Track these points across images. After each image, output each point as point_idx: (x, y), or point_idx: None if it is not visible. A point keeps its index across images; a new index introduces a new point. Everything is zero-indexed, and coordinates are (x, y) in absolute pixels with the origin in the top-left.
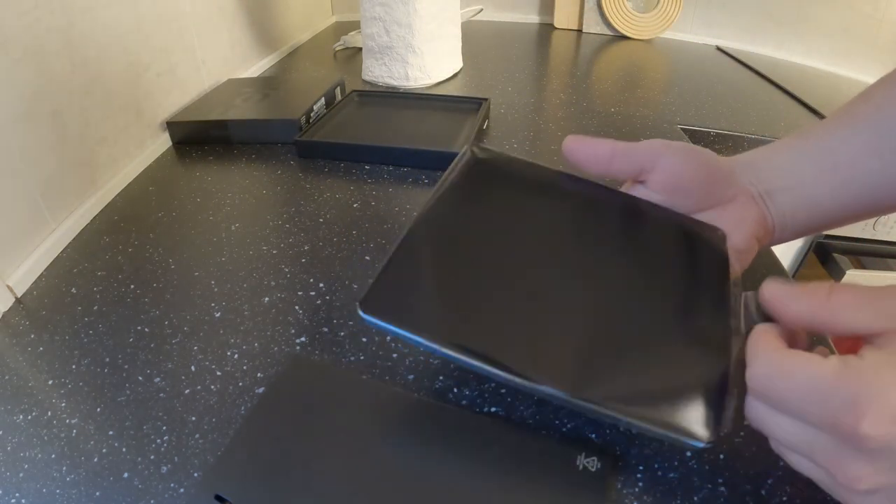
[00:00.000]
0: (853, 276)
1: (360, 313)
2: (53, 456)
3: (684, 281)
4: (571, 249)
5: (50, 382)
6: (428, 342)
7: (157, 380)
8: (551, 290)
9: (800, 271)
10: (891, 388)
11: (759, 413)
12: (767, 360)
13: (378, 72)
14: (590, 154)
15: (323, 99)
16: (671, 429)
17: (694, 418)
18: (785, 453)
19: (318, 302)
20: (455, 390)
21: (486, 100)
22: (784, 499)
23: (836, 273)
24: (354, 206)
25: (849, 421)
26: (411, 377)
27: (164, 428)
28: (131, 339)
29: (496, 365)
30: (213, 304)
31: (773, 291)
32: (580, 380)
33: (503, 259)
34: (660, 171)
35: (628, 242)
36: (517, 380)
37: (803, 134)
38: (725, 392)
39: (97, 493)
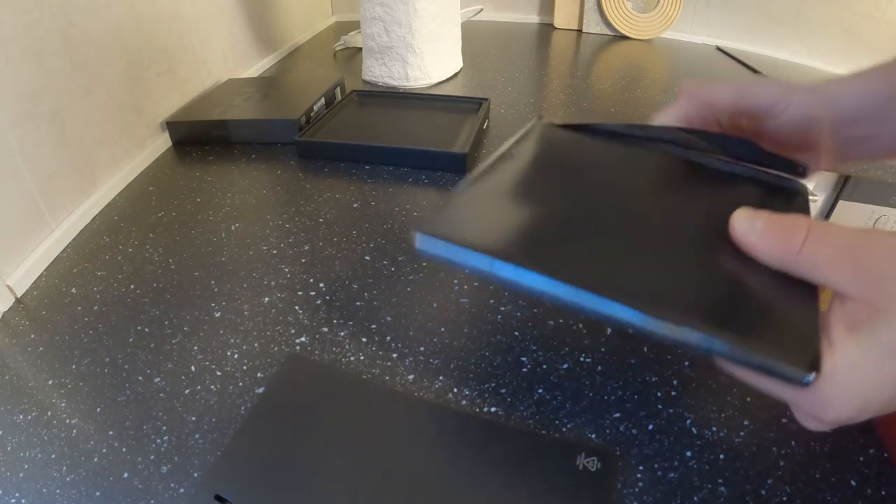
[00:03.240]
0: None
1: (417, 235)
2: (53, 456)
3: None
4: (640, 195)
5: (50, 382)
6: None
7: (157, 380)
8: (634, 226)
9: None
10: (855, 393)
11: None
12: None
13: (378, 72)
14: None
15: (323, 99)
16: (776, 357)
17: (797, 348)
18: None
19: (318, 302)
20: (455, 390)
21: (486, 100)
22: (784, 499)
23: None
24: (354, 206)
25: (815, 415)
26: (411, 377)
27: (164, 428)
28: (131, 339)
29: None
30: (213, 304)
31: (741, 227)
32: (688, 307)
33: (588, 202)
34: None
35: (707, 189)
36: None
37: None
38: (817, 329)
39: (97, 493)
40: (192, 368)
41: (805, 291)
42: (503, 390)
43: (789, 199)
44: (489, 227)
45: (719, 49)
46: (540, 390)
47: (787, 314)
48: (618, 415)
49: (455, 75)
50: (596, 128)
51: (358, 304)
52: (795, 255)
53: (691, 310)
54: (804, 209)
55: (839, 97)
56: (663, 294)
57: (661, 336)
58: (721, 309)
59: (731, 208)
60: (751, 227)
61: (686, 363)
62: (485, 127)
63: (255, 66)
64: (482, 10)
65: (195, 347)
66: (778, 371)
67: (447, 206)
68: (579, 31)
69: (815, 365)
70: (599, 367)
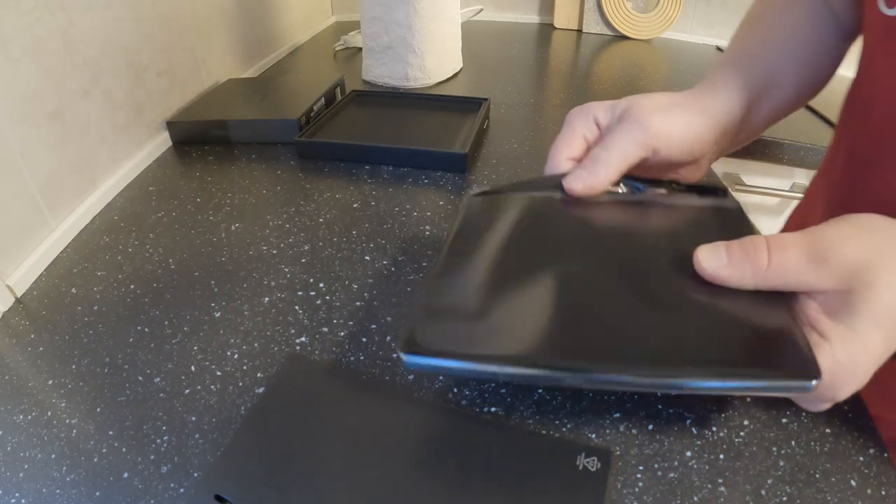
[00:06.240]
0: None
1: (403, 357)
2: (53, 456)
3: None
4: (597, 247)
5: (50, 382)
6: (494, 366)
7: (157, 380)
8: (596, 287)
9: None
10: (861, 368)
11: None
12: None
13: (378, 72)
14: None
15: (323, 99)
16: (782, 378)
17: (794, 362)
18: None
19: (318, 302)
20: (455, 390)
21: (486, 100)
22: (784, 499)
23: None
24: (354, 206)
25: (832, 398)
26: (411, 377)
27: (164, 428)
28: (131, 339)
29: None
30: (213, 304)
31: (711, 264)
32: (668, 360)
33: (544, 274)
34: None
35: (646, 228)
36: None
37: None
38: (798, 331)
39: (97, 493)
40: (192, 368)
41: (780, 301)
42: (503, 390)
43: (733, 216)
44: (477, 326)
45: (719, 49)
46: (540, 390)
47: (773, 331)
48: (618, 415)
49: (455, 75)
50: (518, 186)
51: (358, 304)
52: (765, 272)
53: (696, 362)
54: (746, 221)
55: (666, 140)
56: (666, 354)
57: (678, 390)
58: (717, 349)
59: (686, 241)
60: (718, 261)
61: None
62: (485, 127)
63: (255, 66)
64: (482, 10)
65: (195, 347)
66: (790, 388)
67: (424, 312)
68: (579, 31)
69: (815, 371)
70: None
